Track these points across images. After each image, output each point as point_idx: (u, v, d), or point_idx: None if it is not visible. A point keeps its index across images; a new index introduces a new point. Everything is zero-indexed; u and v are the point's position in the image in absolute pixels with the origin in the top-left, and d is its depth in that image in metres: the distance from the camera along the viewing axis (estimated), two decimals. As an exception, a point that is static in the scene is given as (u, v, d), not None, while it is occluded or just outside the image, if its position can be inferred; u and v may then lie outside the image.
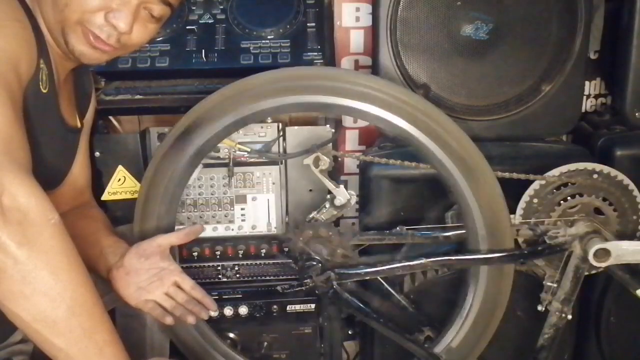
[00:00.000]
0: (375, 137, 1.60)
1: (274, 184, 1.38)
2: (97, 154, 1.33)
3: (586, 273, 1.17)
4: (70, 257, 0.80)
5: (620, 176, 1.18)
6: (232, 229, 1.41)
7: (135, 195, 1.21)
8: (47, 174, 1.07)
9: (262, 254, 1.40)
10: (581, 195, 1.18)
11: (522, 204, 1.19)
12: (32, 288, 0.76)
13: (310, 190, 1.39)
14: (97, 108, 1.28)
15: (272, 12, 1.43)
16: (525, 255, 1.19)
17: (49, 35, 1.00)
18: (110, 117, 1.43)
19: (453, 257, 1.18)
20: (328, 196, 1.20)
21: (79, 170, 1.20)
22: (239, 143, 1.29)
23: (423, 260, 1.17)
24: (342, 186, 1.18)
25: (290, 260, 1.33)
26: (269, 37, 1.40)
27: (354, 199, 1.21)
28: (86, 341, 0.80)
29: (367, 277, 1.20)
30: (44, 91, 0.96)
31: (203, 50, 1.36)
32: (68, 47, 1.00)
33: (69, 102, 1.13)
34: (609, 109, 1.55)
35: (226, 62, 1.37)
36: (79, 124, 1.17)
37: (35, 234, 0.76)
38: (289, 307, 1.42)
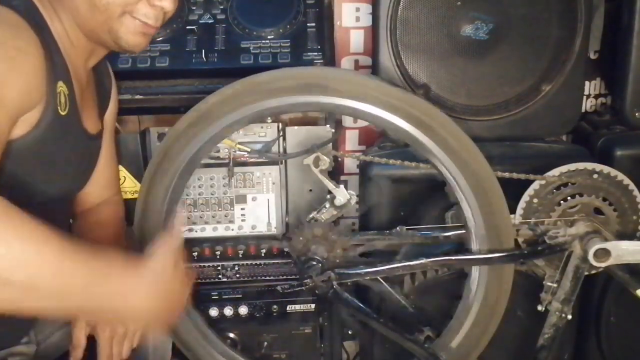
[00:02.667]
0: (375, 137, 1.60)
1: (274, 184, 1.38)
2: (97, 154, 1.33)
3: (586, 273, 1.17)
4: (8, 235, 0.71)
5: (620, 176, 1.18)
6: (232, 229, 1.41)
7: (135, 195, 1.21)
8: (72, 186, 1.09)
9: (262, 254, 1.40)
10: (581, 195, 1.18)
11: (522, 204, 1.19)
12: None
13: (310, 190, 1.39)
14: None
15: (272, 12, 1.43)
16: (525, 255, 1.19)
17: (69, 41, 0.99)
18: (111, 117, 1.43)
19: (453, 257, 1.18)
20: (328, 196, 1.20)
21: (102, 167, 1.20)
22: (239, 143, 1.29)
23: (423, 260, 1.17)
24: (342, 186, 1.18)
25: (290, 260, 1.33)
26: (269, 37, 1.40)
27: (354, 199, 1.21)
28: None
29: (367, 277, 1.20)
30: (63, 113, 0.95)
31: (203, 50, 1.36)
32: (120, 44, 1.00)
33: (91, 108, 1.12)
34: (609, 109, 1.55)
35: (226, 62, 1.37)
36: (100, 127, 1.17)
37: None
38: (289, 307, 1.42)
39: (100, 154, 1.19)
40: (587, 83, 1.53)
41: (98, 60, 1.10)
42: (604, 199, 1.19)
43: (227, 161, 1.34)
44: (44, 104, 0.90)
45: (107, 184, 1.24)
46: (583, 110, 1.51)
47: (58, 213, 1.06)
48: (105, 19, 0.97)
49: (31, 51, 0.88)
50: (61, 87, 0.95)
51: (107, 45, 1.03)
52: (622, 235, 1.19)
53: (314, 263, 1.17)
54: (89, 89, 1.11)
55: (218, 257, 1.40)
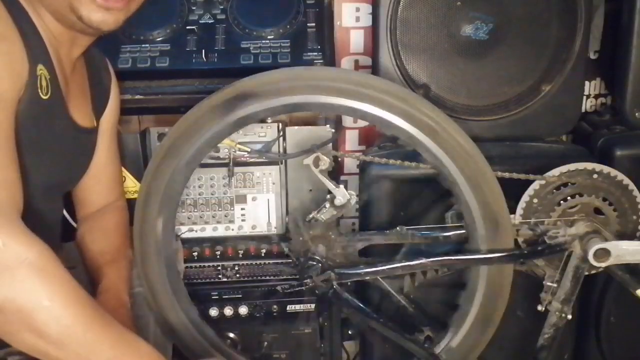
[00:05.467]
0: (375, 137, 1.60)
1: (274, 184, 1.38)
2: (97, 154, 1.33)
3: (586, 273, 1.17)
4: (50, 291, 0.78)
5: (620, 176, 1.18)
6: (232, 229, 1.41)
7: (135, 195, 1.21)
8: (58, 177, 1.08)
9: (262, 254, 1.40)
10: (581, 195, 1.18)
11: (522, 204, 1.19)
12: (16, 328, 0.77)
13: (310, 190, 1.39)
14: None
15: (272, 12, 1.43)
16: (525, 255, 1.19)
17: (49, 31, 0.98)
18: (111, 117, 1.43)
19: (453, 257, 1.18)
20: (328, 196, 1.20)
21: (103, 165, 1.21)
22: (239, 143, 1.29)
23: (423, 260, 1.17)
24: (342, 186, 1.18)
25: (290, 260, 1.33)
26: (269, 37, 1.40)
27: (354, 199, 1.21)
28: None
29: (367, 277, 1.20)
30: (45, 97, 0.94)
31: (203, 50, 1.36)
32: (84, 22, 0.97)
33: (81, 101, 1.11)
34: (609, 109, 1.55)
35: (226, 62, 1.37)
36: (94, 124, 1.17)
37: (6, 279, 0.75)
38: (289, 307, 1.42)
39: (98, 150, 1.19)
40: (587, 83, 1.53)
41: (82, 50, 1.09)
42: (604, 199, 1.19)
43: (227, 161, 1.34)
44: (24, 86, 0.89)
45: (109, 184, 1.24)
46: (583, 110, 1.51)
47: (47, 206, 1.06)
48: None
49: (8, 34, 0.87)
50: (41, 70, 0.93)
51: (78, 27, 1.00)
52: (622, 235, 1.20)
53: (314, 263, 1.17)
54: (76, 80, 1.10)
55: (218, 257, 1.40)
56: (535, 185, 1.18)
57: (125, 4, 1.00)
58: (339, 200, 1.18)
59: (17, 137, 0.89)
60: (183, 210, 1.38)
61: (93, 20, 0.97)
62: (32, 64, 0.91)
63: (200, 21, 1.42)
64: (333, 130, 1.36)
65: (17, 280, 0.75)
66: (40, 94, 0.93)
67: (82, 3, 0.96)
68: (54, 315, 0.77)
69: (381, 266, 1.18)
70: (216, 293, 1.39)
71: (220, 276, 1.41)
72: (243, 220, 1.40)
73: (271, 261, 1.41)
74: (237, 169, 1.36)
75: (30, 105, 0.91)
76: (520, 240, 1.21)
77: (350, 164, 1.69)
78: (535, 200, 1.18)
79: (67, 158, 1.09)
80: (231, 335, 1.39)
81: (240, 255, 1.40)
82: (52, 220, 1.10)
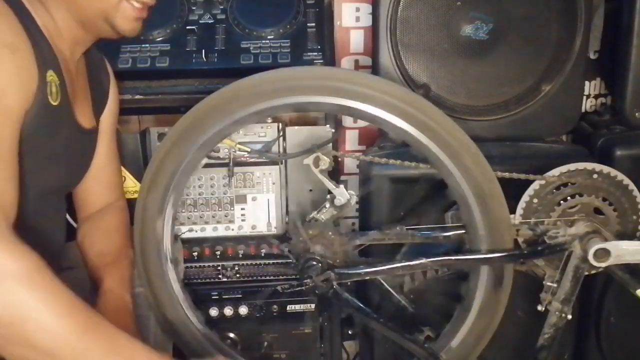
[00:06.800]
0: (375, 137, 1.60)
1: (274, 184, 1.38)
2: (97, 154, 1.33)
3: (586, 273, 1.17)
4: (38, 302, 0.76)
5: (620, 176, 1.18)
6: (232, 229, 1.41)
7: (135, 195, 1.21)
8: (63, 180, 1.09)
9: (262, 254, 1.40)
10: (581, 195, 1.18)
11: (522, 204, 1.19)
12: (5, 340, 0.75)
13: (310, 190, 1.39)
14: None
15: (272, 12, 1.43)
16: (525, 255, 1.19)
17: (53, 33, 0.98)
18: (111, 117, 1.43)
19: (453, 257, 1.18)
20: (328, 196, 1.20)
21: (102, 166, 1.21)
22: (239, 143, 1.29)
23: (423, 260, 1.16)
24: (342, 186, 1.18)
25: (291, 260, 1.33)
26: (269, 37, 1.40)
27: (354, 199, 1.21)
28: None
29: (367, 277, 1.20)
30: (55, 104, 0.95)
31: (203, 50, 1.36)
32: (116, 30, 1.01)
33: (83, 102, 1.12)
34: (609, 109, 1.55)
35: (226, 62, 1.37)
36: (95, 124, 1.17)
37: None
38: (289, 307, 1.42)
39: (97, 150, 1.19)
40: (587, 83, 1.53)
41: (84, 50, 1.09)
42: (604, 199, 1.19)
43: (227, 161, 1.34)
44: (34, 95, 0.89)
45: (109, 185, 1.24)
46: (583, 110, 1.51)
47: (52, 207, 1.06)
48: (104, 7, 0.98)
49: (20, 45, 0.87)
50: (51, 76, 0.94)
51: (102, 33, 1.03)
52: (622, 235, 1.19)
53: (314, 263, 1.17)
54: (79, 81, 1.10)
55: (218, 257, 1.40)
56: (535, 185, 1.18)
57: (149, 14, 1.05)
58: (339, 200, 1.18)
59: (26, 144, 0.89)
60: (183, 210, 1.38)
61: (126, 30, 1.02)
62: (42, 72, 0.91)
63: (200, 21, 1.42)
64: (333, 130, 1.36)
65: (2, 292, 0.74)
66: (50, 100, 0.93)
67: (119, 13, 0.99)
68: (43, 326, 0.75)
69: (381, 266, 1.18)
70: (216, 293, 1.39)
71: (220, 276, 1.41)
72: (243, 220, 1.40)
73: (271, 261, 1.41)
74: (237, 169, 1.36)
75: (40, 112, 0.91)
76: (520, 240, 1.21)
77: (350, 164, 1.69)
78: (535, 200, 1.18)
79: (71, 160, 1.09)
80: (231, 335, 1.39)
81: (240, 255, 1.40)
82: (56, 222, 1.10)
